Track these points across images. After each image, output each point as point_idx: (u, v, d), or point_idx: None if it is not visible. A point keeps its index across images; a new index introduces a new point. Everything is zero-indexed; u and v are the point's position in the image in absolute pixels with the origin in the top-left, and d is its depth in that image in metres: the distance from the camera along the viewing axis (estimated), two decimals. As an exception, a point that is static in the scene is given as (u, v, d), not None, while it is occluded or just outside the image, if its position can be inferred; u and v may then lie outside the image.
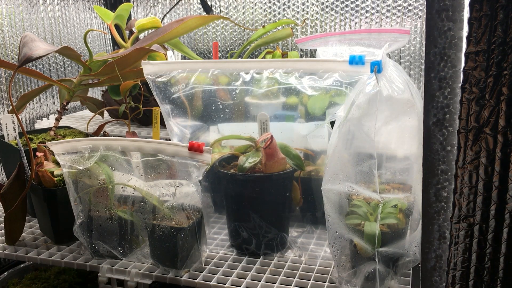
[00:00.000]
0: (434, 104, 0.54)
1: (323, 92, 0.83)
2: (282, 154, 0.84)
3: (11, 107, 1.25)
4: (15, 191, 0.92)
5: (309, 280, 0.80)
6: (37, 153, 0.90)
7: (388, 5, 1.35)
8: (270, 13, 1.48)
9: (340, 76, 0.81)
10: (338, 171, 0.73)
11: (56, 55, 1.48)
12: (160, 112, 0.92)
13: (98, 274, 0.85)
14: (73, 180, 0.83)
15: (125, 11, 1.25)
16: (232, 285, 0.79)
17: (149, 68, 0.90)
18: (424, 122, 0.55)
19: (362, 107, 0.70)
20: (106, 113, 1.42)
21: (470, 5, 0.50)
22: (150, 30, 1.23)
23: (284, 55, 1.25)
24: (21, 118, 1.36)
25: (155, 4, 1.63)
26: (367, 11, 1.37)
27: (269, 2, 1.47)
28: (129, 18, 1.46)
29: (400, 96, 0.72)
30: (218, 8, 1.53)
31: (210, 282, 0.79)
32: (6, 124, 1.02)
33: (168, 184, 0.80)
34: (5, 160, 1.09)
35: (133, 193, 0.83)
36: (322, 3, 1.41)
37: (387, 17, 1.36)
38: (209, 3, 1.52)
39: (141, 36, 1.29)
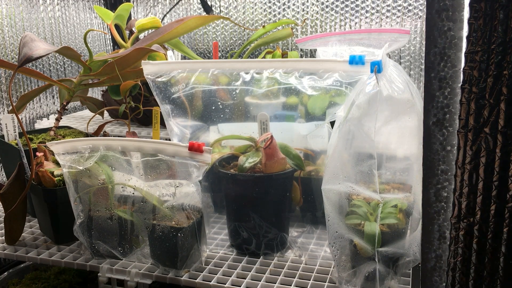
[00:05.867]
0: (434, 104, 0.54)
1: (323, 92, 0.83)
2: (282, 154, 0.84)
3: (11, 107, 1.25)
4: (15, 191, 0.92)
5: (309, 280, 0.80)
6: (37, 153, 0.90)
7: (388, 5, 1.35)
8: (270, 13, 1.48)
9: (340, 76, 0.81)
10: (338, 171, 0.73)
11: (56, 55, 1.48)
12: (160, 112, 0.92)
13: (98, 274, 0.85)
14: (73, 180, 0.83)
15: (125, 11, 1.25)
16: (232, 285, 0.79)
17: (149, 68, 0.90)
18: (424, 122, 0.55)
19: (362, 107, 0.70)
20: (106, 113, 1.42)
21: (470, 5, 0.50)
22: (150, 30, 1.23)
23: (284, 55, 1.25)
24: (21, 118, 1.36)
25: (155, 4, 1.63)
26: (367, 11, 1.37)
27: (269, 2, 1.47)
28: (129, 18, 1.46)
29: (400, 96, 0.72)
30: (218, 8, 1.53)
31: (210, 282, 0.79)
32: (6, 124, 1.02)
33: (168, 184, 0.80)
34: (5, 160, 1.09)
35: (133, 193, 0.83)
36: (322, 3, 1.41)
37: (387, 17, 1.36)
38: (209, 3, 1.52)
39: (141, 36, 1.29)
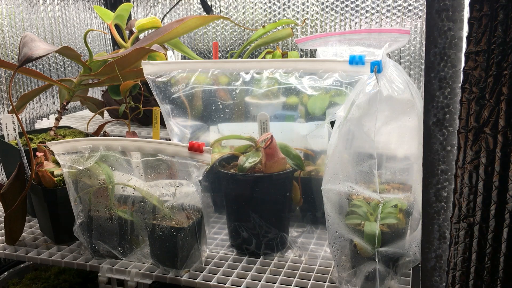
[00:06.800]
0: (434, 104, 0.54)
1: (323, 92, 0.83)
2: (282, 154, 0.84)
3: (11, 107, 1.25)
4: (15, 191, 0.92)
5: (309, 280, 0.80)
6: (37, 153, 0.90)
7: (388, 5, 1.35)
8: (270, 13, 1.48)
9: (340, 76, 0.81)
10: (338, 171, 0.73)
11: (56, 55, 1.48)
12: (160, 112, 0.92)
13: (98, 274, 0.85)
14: (73, 180, 0.83)
15: (125, 11, 1.25)
16: (232, 285, 0.79)
17: (149, 68, 0.90)
18: (424, 122, 0.55)
19: (362, 107, 0.70)
20: (106, 113, 1.42)
21: (470, 5, 0.50)
22: (150, 30, 1.23)
23: (284, 55, 1.25)
24: (21, 118, 1.36)
25: (155, 4, 1.63)
26: (367, 11, 1.37)
27: (269, 2, 1.47)
28: (129, 18, 1.46)
29: (400, 96, 0.72)
30: (218, 8, 1.53)
31: (210, 282, 0.79)
32: (6, 124, 1.02)
33: (168, 184, 0.80)
34: (5, 160, 1.09)
35: (133, 193, 0.83)
36: (322, 3, 1.41)
37: (387, 17, 1.36)
38: (209, 3, 1.52)
39: (141, 36, 1.29)
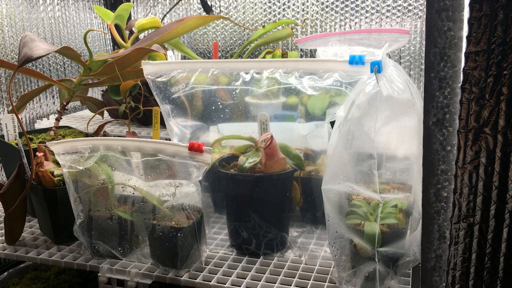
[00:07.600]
0: (434, 104, 0.54)
1: (323, 92, 0.83)
2: (282, 154, 0.84)
3: (11, 107, 1.25)
4: (15, 191, 0.92)
5: (309, 280, 0.80)
6: (37, 153, 0.90)
7: (388, 5, 1.35)
8: (270, 13, 1.48)
9: (340, 76, 0.81)
10: (338, 171, 0.73)
11: (56, 55, 1.48)
12: (160, 112, 0.92)
13: (98, 274, 0.85)
14: (73, 180, 0.83)
15: (125, 11, 1.25)
16: (232, 285, 0.79)
17: (149, 68, 0.90)
18: (424, 122, 0.55)
19: (362, 107, 0.70)
20: (106, 113, 1.42)
21: (470, 5, 0.50)
22: (150, 30, 1.23)
23: (284, 55, 1.25)
24: (21, 118, 1.36)
25: (155, 4, 1.63)
26: (367, 11, 1.37)
27: (269, 2, 1.47)
28: (129, 18, 1.46)
29: (400, 96, 0.72)
30: (218, 8, 1.53)
31: (210, 282, 0.79)
32: (6, 124, 1.02)
33: (168, 184, 0.80)
34: (5, 160, 1.09)
35: (133, 193, 0.83)
36: (322, 3, 1.41)
37: (387, 17, 1.36)
38: (209, 3, 1.52)
39: (141, 36, 1.29)
